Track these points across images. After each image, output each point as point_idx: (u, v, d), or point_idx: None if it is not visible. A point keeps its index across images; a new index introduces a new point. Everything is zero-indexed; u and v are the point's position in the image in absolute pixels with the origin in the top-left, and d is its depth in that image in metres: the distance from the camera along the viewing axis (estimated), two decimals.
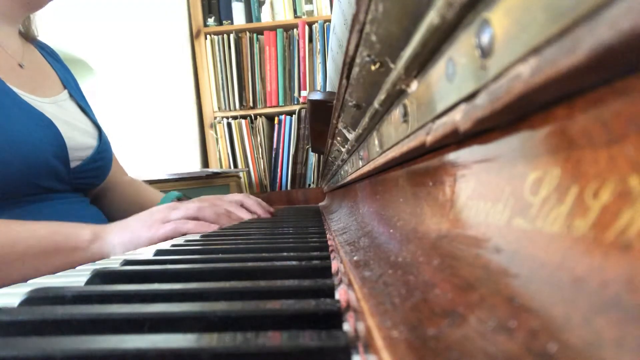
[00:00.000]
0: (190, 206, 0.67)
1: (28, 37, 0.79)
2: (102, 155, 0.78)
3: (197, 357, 0.15)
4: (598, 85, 0.10)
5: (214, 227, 0.64)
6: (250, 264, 0.30)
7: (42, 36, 0.83)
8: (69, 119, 0.73)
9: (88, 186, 0.77)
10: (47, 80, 0.76)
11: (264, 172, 1.84)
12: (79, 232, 0.60)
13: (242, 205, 0.80)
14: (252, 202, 0.81)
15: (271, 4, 1.84)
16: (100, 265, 0.37)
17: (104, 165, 0.80)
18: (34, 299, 0.24)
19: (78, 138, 0.73)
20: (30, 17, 0.80)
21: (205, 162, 1.88)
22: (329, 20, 1.77)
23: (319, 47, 1.79)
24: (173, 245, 0.44)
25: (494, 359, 0.11)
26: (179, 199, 0.94)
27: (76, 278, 0.30)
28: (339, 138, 0.54)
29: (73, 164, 0.71)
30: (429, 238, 0.21)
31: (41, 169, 0.64)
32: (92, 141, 0.77)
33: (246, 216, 0.77)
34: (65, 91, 0.78)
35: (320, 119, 0.73)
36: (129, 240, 0.61)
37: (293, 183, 1.85)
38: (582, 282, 0.10)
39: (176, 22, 1.81)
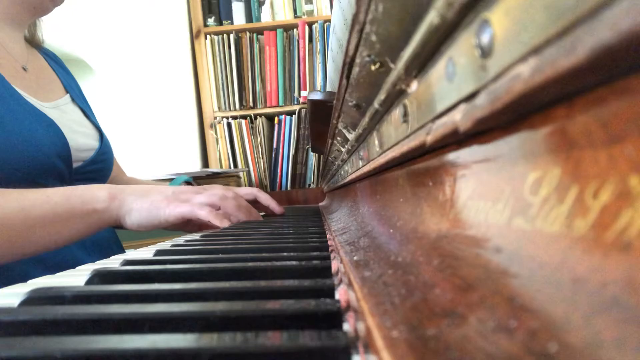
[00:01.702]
0: (215, 192, 0.66)
1: (33, 42, 0.80)
2: (104, 157, 0.78)
3: (197, 357, 0.15)
4: (598, 85, 0.10)
5: (226, 223, 0.62)
6: (250, 264, 0.30)
7: (44, 43, 0.83)
8: (71, 122, 0.73)
9: None
10: (49, 84, 0.77)
11: (264, 172, 1.84)
12: (96, 194, 0.58)
13: (255, 200, 0.79)
14: (265, 196, 0.81)
15: (271, 4, 1.84)
16: (100, 265, 0.37)
17: (104, 167, 0.80)
18: (34, 299, 0.24)
19: (80, 140, 0.73)
20: (37, 23, 0.80)
21: (205, 162, 1.88)
22: (329, 20, 1.77)
23: (319, 47, 1.79)
24: (173, 245, 0.44)
25: (494, 359, 0.11)
26: (188, 183, 0.93)
27: (76, 278, 0.30)
28: (339, 138, 0.54)
29: (74, 165, 0.71)
30: (429, 238, 0.21)
31: (44, 168, 0.65)
32: (93, 143, 0.77)
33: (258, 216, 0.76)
34: (67, 95, 0.78)
35: (320, 119, 0.73)
36: (147, 210, 0.60)
37: (293, 183, 1.85)
38: (582, 282, 0.10)
39: (176, 22, 1.81)
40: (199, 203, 0.62)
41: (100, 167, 0.78)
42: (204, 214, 0.60)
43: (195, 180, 1.50)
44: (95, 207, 0.58)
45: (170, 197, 0.62)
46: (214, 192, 0.66)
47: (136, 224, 0.61)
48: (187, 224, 0.65)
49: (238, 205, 0.68)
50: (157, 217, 0.60)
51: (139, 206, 0.60)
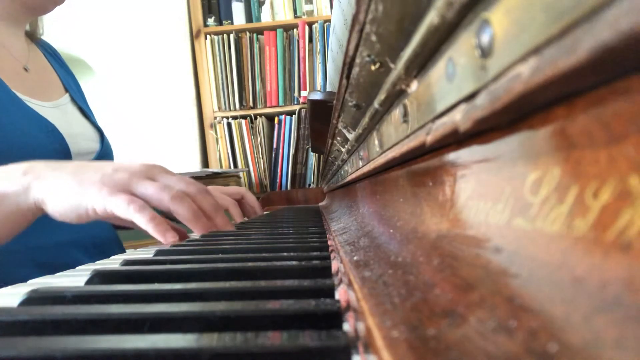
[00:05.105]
0: (170, 186, 0.46)
1: (34, 37, 0.79)
2: (105, 159, 0.78)
3: (197, 357, 0.15)
4: (598, 85, 0.10)
5: (171, 240, 0.44)
6: (250, 264, 0.30)
7: (43, 35, 0.83)
8: (71, 123, 0.73)
9: None
10: (50, 83, 0.76)
11: (264, 172, 1.84)
12: (11, 172, 0.44)
13: (242, 199, 0.76)
14: (252, 198, 0.80)
15: (271, 4, 1.84)
16: (100, 265, 0.37)
17: None
18: (34, 299, 0.23)
19: (81, 143, 0.73)
20: (39, 18, 0.80)
21: (205, 162, 1.88)
22: (329, 20, 1.76)
23: (319, 47, 1.79)
24: (173, 245, 0.44)
25: (494, 359, 0.11)
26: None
27: (76, 278, 0.30)
28: (339, 138, 0.54)
29: None
30: (429, 238, 0.21)
31: None
32: (94, 145, 0.77)
33: (239, 218, 0.72)
34: (67, 95, 0.78)
35: (320, 119, 0.73)
36: (67, 195, 0.43)
37: (293, 183, 1.85)
38: (582, 282, 0.10)
39: (176, 22, 1.81)
40: (140, 196, 0.44)
41: None
42: (144, 221, 0.43)
43: (195, 180, 1.50)
44: (5, 189, 0.43)
45: (107, 178, 0.44)
46: (171, 181, 0.47)
47: (58, 211, 0.44)
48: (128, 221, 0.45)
49: (195, 212, 0.47)
50: (83, 206, 0.43)
51: (60, 188, 0.43)
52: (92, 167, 0.45)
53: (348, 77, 0.30)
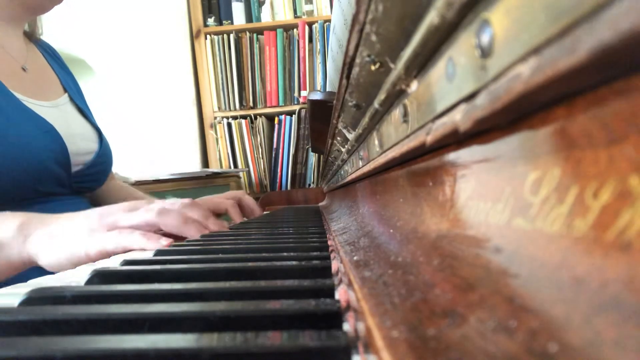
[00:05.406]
0: (153, 207, 0.51)
1: (32, 37, 0.79)
2: (103, 159, 0.78)
3: (197, 357, 0.15)
4: (598, 85, 0.10)
5: (165, 243, 0.46)
6: (250, 264, 0.30)
7: (43, 36, 0.83)
8: (70, 123, 0.73)
9: (88, 189, 0.77)
10: (48, 83, 0.76)
11: (264, 172, 1.84)
12: (5, 224, 0.48)
13: (240, 202, 0.76)
14: (250, 201, 0.79)
15: (271, 4, 1.84)
16: (100, 265, 0.37)
17: (104, 169, 0.79)
18: (34, 299, 0.23)
19: (79, 143, 0.72)
20: (38, 18, 0.79)
21: (205, 162, 1.88)
22: (329, 20, 1.77)
23: (319, 47, 1.80)
24: (173, 245, 0.44)
25: (494, 359, 0.11)
26: None
27: (76, 278, 0.30)
28: (339, 138, 0.54)
29: (74, 169, 0.71)
30: (429, 238, 0.21)
31: (43, 175, 0.64)
32: (93, 145, 0.76)
33: (239, 219, 0.72)
34: (66, 95, 0.78)
35: (320, 119, 0.73)
36: (61, 247, 0.47)
37: (293, 183, 1.85)
38: (582, 282, 0.10)
39: (176, 22, 1.81)
40: (128, 226, 0.49)
41: (99, 170, 0.77)
42: (135, 241, 0.46)
43: (195, 180, 1.50)
44: (1, 240, 0.47)
45: (95, 223, 0.48)
46: (152, 206, 0.52)
47: (55, 264, 0.47)
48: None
49: (184, 218, 0.52)
50: (76, 255, 0.46)
51: (53, 242, 0.47)
52: (80, 217, 0.49)
53: (348, 77, 0.30)
